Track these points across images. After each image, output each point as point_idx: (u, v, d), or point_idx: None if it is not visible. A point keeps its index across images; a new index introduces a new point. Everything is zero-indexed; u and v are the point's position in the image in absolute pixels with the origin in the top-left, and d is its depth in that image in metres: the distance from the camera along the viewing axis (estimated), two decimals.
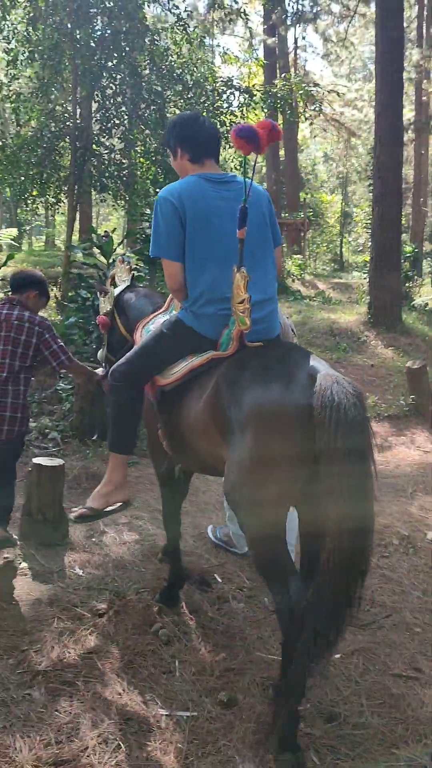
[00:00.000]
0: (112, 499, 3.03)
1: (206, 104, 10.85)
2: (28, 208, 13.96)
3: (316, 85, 15.37)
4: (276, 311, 2.84)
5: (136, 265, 7.10)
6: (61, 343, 3.75)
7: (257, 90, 11.01)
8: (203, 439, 2.66)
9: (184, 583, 3.50)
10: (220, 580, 3.69)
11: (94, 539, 4.20)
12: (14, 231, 26.61)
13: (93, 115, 10.74)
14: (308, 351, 2.56)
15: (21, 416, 3.66)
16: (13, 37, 10.09)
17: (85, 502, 3.05)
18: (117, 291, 3.69)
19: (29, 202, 11.54)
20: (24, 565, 3.72)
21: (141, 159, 11.19)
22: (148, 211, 10.75)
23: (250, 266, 2.57)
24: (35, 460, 4.04)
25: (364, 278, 14.21)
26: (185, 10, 10.94)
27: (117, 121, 10.85)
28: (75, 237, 13.95)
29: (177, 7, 10.77)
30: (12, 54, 10.10)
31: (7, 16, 9.82)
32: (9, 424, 3.60)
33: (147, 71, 10.72)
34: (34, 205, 12.32)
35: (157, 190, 11.05)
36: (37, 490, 3.96)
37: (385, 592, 3.65)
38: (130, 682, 2.72)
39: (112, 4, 9.76)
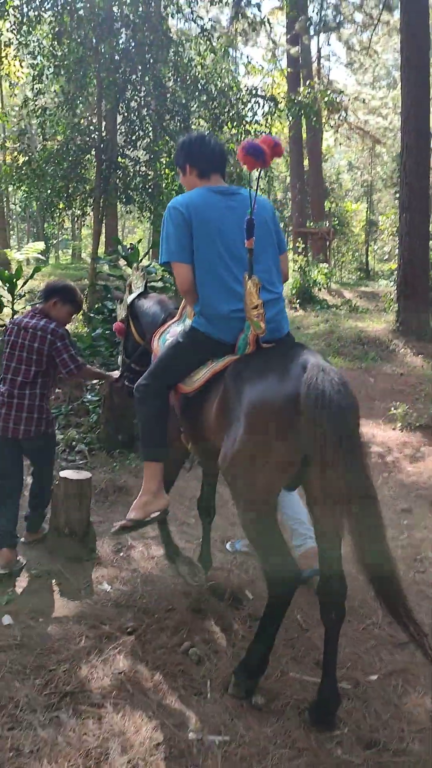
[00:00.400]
0: (151, 508, 3.10)
1: (231, 113, 10.83)
2: (54, 222, 14.09)
3: (340, 92, 15.29)
4: (283, 311, 2.97)
5: (162, 275, 7.07)
6: (72, 352, 3.83)
7: (282, 98, 10.96)
8: (219, 436, 2.76)
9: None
10: (251, 596, 3.58)
11: (122, 554, 4.12)
12: (41, 245, 26.86)
13: (118, 127, 10.79)
14: (306, 346, 2.76)
15: (38, 416, 3.83)
16: (38, 53, 10.18)
17: (111, 516, 3.02)
18: (131, 298, 3.87)
19: (55, 215, 11.63)
20: (51, 581, 3.66)
21: (166, 170, 11.20)
22: None
23: (256, 270, 2.73)
24: (62, 474, 3.98)
25: (392, 286, 14.01)
26: (209, 21, 10.94)
27: (142, 133, 10.88)
28: (101, 249, 14.02)
29: (201, 18, 10.79)
30: (38, 69, 10.19)
31: (33, 32, 9.91)
32: (26, 423, 3.81)
33: (171, 83, 10.74)
34: (60, 219, 12.41)
35: None
36: (64, 504, 3.90)
37: (423, 609, 3.51)
38: (160, 704, 2.64)
39: (135, 17, 9.80)
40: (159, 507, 3.10)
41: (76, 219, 11.98)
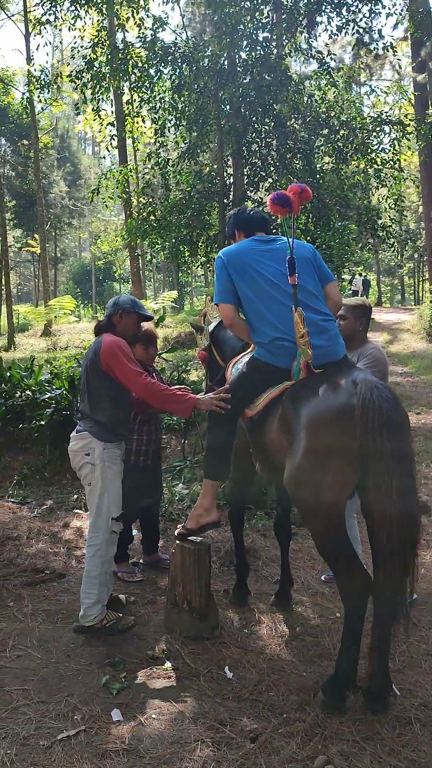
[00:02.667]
0: (203, 520, 3.55)
1: (355, 145, 10.38)
2: (187, 270, 14.28)
3: None
4: (335, 336, 3.22)
5: None
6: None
7: (410, 120, 10.37)
8: (280, 453, 3.08)
9: (248, 572, 4.07)
10: (399, 692, 2.99)
11: (246, 630, 3.67)
12: (175, 293, 27.67)
13: (239, 170, 10.70)
14: (355, 366, 3.16)
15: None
16: (160, 107, 10.35)
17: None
18: (211, 327, 4.22)
19: (181, 263, 11.66)
20: (168, 665, 3.27)
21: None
22: None
23: (303, 303, 3.14)
24: (178, 542, 3.62)
25: None
26: (328, 54, 10.65)
27: (264, 174, 10.70)
28: None
29: (320, 53, 10.53)
30: (160, 123, 10.35)
31: (155, 88, 10.10)
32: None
33: (292, 121, 10.51)
34: (186, 266, 12.48)
35: (308, 239, 10.69)
36: (182, 575, 3.52)
37: None
38: None
39: (253, 60, 9.72)
40: (210, 520, 3.55)
41: (202, 265, 11.88)
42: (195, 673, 3.19)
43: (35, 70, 13.99)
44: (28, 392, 7.38)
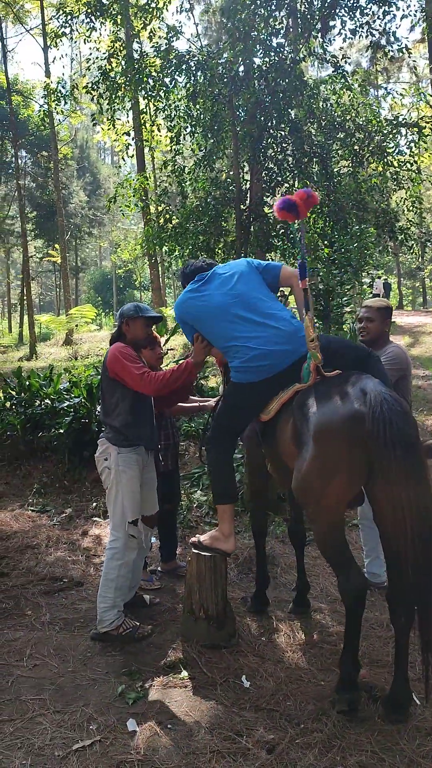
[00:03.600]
0: (218, 545, 3.52)
1: (371, 147, 10.32)
2: None
3: None
4: (294, 335, 3.28)
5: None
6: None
7: (426, 121, 10.27)
8: (291, 459, 3.10)
9: (268, 585, 4.01)
10: (419, 701, 2.93)
11: (264, 638, 3.63)
12: None
13: (256, 176, 10.68)
14: (364, 373, 3.02)
15: None
16: (175, 115, 10.39)
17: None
18: None
19: None
20: (184, 674, 3.24)
21: (308, 213, 10.87)
22: (319, 265, 10.34)
23: (252, 313, 3.35)
24: (194, 550, 3.59)
25: None
26: (342, 58, 10.61)
27: (280, 179, 10.67)
28: None
29: (335, 57, 10.50)
30: (175, 131, 10.38)
31: (170, 96, 10.15)
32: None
33: (307, 125, 10.48)
34: None
35: (326, 243, 10.64)
36: (198, 583, 3.50)
37: None
38: None
39: (267, 66, 9.72)
40: (224, 548, 3.53)
41: None
42: (212, 683, 3.16)
43: (53, 82, 14.15)
44: (47, 401, 7.42)
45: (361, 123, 10.48)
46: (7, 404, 7.61)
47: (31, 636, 3.68)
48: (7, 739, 2.73)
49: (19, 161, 27.65)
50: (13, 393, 7.69)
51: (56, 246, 30.85)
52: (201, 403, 4.46)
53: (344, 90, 10.87)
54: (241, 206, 10.24)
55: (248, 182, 10.82)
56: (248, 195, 10.60)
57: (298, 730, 2.76)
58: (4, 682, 3.20)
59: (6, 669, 3.33)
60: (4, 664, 3.38)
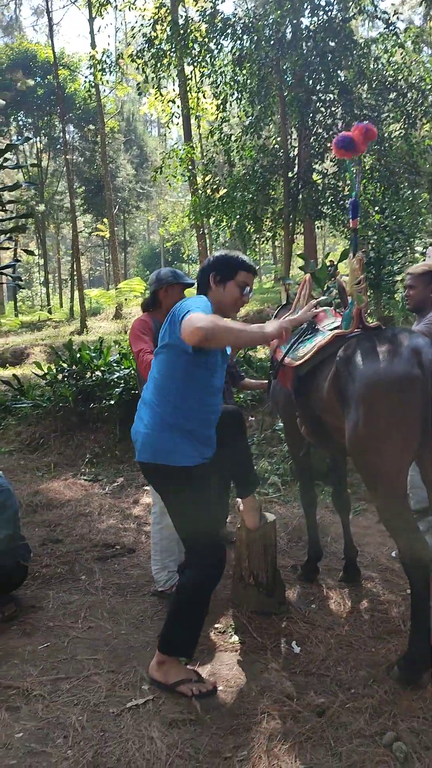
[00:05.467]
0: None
1: (425, 108, 9.96)
2: (254, 248, 14.14)
3: None
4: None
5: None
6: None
7: None
8: (331, 415, 3.05)
9: (321, 557, 3.98)
10: None
11: (314, 605, 3.63)
12: None
13: (304, 141, 10.46)
14: (413, 332, 2.88)
15: None
16: (221, 82, 10.24)
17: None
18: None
19: (246, 239, 11.56)
20: (235, 638, 3.28)
21: (363, 181, 10.60)
22: (369, 233, 10.10)
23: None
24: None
25: None
26: (395, 14, 10.22)
27: (329, 145, 10.43)
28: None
29: (386, 13, 10.12)
30: (221, 97, 10.24)
31: (215, 62, 9.99)
32: None
33: (357, 86, 10.18)
34: (252, 244, 12.34)
35: (377, 209, 10.37)
36: (248, 550, 3.51)
37: None
38: None
39: (316, 26, 9.44)
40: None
41: (266, 241, 11.71)
42: (262, 647, 3.19)
43: (98, 53, 14.09)
44: (97, 373, 7.52)
45: (413, 82, 10.13)
46: (59, 377, 7.76)
47: (85, 600, 3.78)
48: (64, 695, 2.82)
49: (67, 136, 27.76)
50: (65, 366, 7.82)
51: (105, 220, 30.99)
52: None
53: (396, 48, 10.50)
54: (289, 173, 10.07)
55: (296, 148, 10.62)
56: (296, 162, 10.41)
57: (349, 695, 2.76)
58: (61, 642, 3.30)
59: (62, 630, 3.43)
60: (60, 626, 3.48)
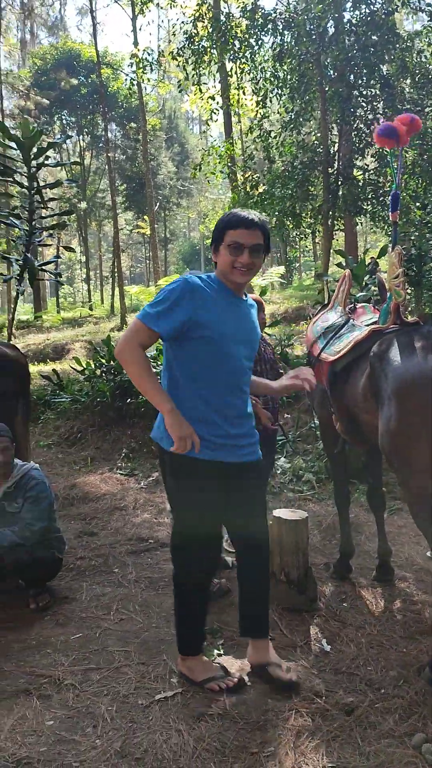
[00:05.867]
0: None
1: None
2: (294, 245, 14.08)
3: None
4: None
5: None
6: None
7: None
8: (367, 412, 3.02)
9: (353, 556, 3.92)
10: None
11: (346, 604, 3.61)
12: (281, 269, 27.50)
13: (345, 137, 10.35)
14: None
15: None
16: (261, 78, 10.20)
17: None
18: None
19: (285, 236, 11.52)
20: None
21: (404, 176, 10.45)
22: (411, 229, 9.95)
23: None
24: (276, 513, 3.60)
25: None
26: None
27: (370, 140, 10.30)
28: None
29: (430, 6, 9.95)
30: (261, 94, 10.20)
31: (255, 57, 9.96)
32: None
33: (399, 80, 10.03)
34: (292, 241, 12.28)
35: (418, 205, 10.19)
36: (279, 547, 3.51)
37: None
38: None
39: (357, 20, 9.33)
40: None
41: (305, 237, 11.63)
42: (292, 644, 3.18)
43: (140, 51, 14.18)
44: None
45: None
46: (98, 372, 7.85)
47: (117, 592, 3.83)
48: (94, 685, 2.86)
49: (109, 134, 28.03)
50: (103, 361, 7.92)
51: (145, 218, 31.20)
52: None
53: None
54: (329, 169, 9.98)
55: (336, 144, 10.52)
56: (336, 157, 10.31)
57: (378, 695, 2.73)
58: (92, 633, 3.35)
59: (95, 621, 3.48)
60: (93, 617, 3.53)
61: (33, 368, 10.42)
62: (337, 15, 9.51)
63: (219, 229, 2.57)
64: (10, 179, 10.15)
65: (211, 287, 2.59)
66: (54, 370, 9.38)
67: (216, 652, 3.13)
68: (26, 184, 9.70)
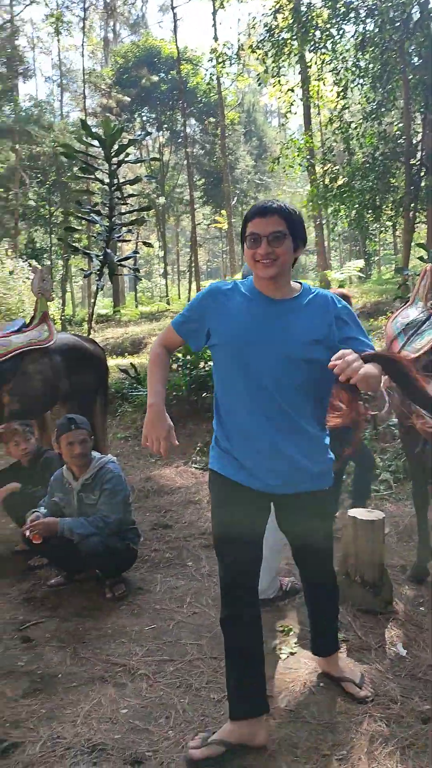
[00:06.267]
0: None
1: None
2: (374, 239, 13.80)
3: None
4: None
5: None
6: None
7: None
8: None
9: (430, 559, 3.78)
10: None
11: (423, 608, 3.51)
12: (360, 263, 27.04)
13: (429, 126, 10.02)
14: None
15: None
16: (342, 68, 10.02)
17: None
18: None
19: (364, 229, 11.29)
20: (339, 636, 3.22)
21: None
22: None
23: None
24: (351, 513, 3.54)
25: None
26: None
27: None
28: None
29: None
30: (342, 84, 10.02)
31: (336, 47, 9.79)
32: None
33: None
34: (372, 234, 12.04)
35: None
36: (354, 547, 3.45)
37: None
38: None
39: None
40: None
41: (385, 231, 11.38)
42: (366, 647, 3.12)
43: (220, 46, 14.20)
44: (211, 363, 7.63)
45: None
46: (174, 366, 7.93)
47: (191, 585, 3.86)
48: (167, 677, 2.90)
49: (188, 130, 28.26)
50: (179, 356, 7.99)
51: (223, 212, 31.29)
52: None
53: None
54: (412, 160, 9.70)
55: (419, 134, 10.20)
56: (419, 148, 10.00)
57: None
58: (166, 625, 3.39)
59: (168, 613, 3.52)
60: (166, 609, 3.58)
61: (111, 362, 10.66)
62: (422, 0, 9.21)
63: (243, 227, 2.34)
64: (92, 176, 10.39)
65: (238, 292, 2.38)
66: (132, 363, 9.56)
67: (288, 650, 3.11)
68: (107, 180, 9.90)
